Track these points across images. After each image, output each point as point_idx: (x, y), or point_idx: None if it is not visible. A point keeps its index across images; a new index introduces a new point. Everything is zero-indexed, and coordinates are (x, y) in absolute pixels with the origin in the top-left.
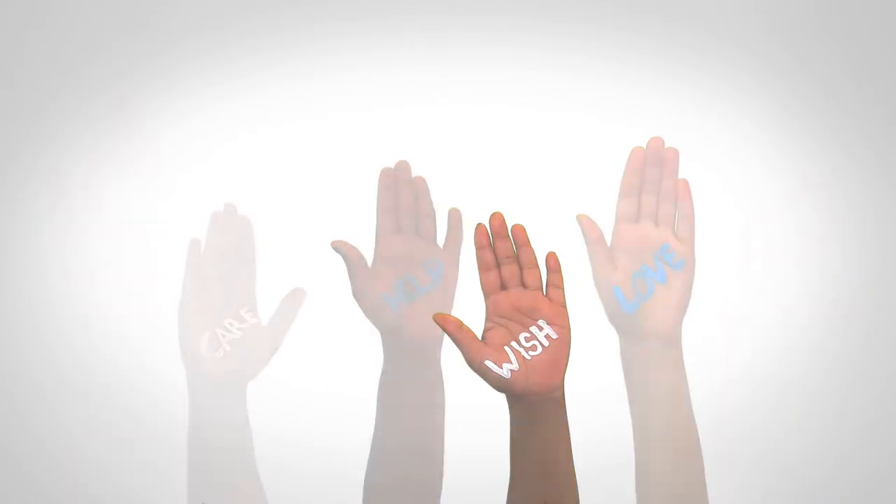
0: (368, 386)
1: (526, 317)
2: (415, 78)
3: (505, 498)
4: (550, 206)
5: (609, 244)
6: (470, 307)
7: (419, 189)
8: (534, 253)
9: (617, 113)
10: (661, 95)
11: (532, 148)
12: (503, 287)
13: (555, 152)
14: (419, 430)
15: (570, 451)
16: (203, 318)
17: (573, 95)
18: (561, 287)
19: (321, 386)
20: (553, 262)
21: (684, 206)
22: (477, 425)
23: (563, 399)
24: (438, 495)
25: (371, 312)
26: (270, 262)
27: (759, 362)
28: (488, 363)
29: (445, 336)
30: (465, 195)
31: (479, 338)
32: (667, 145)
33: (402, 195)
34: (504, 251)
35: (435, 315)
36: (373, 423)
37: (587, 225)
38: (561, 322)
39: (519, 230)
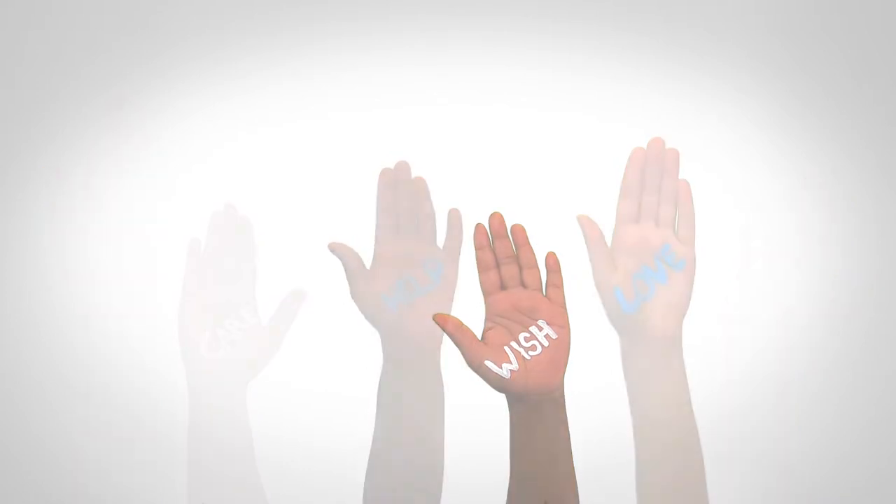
0: (368, 386)
1: (526, 317)
2: (415, 78)
3: (505, 498)
4: (550, 206)
5: (609, 245)
6: (470, 307)
7: (419, 189)
8: (533, 253)
9: (617, 113)
10: (661, 95)
11: (532, 148)
12: (503, 287)
13: (555, 152)
14: (419, 431)
15: (570, 451)
16: (203, 317)
17: (573, 95)
18: (561, 287)
19: (321, 386)
20: (553, 262)
21: (685, 207)
22: (477, 425)
23: (563, 399)
24: (438, 495)
25: (370, 313)
26: (270, 262)
27: (759, 362)
28: (488, 363)
29: (445, 336)
30: (464, 195)
31: (479, 338)
32: (667, 146)
33: (401, 195)
34: (504, 251)
35: (435, 315)
36: (373, 423)
37: (587, 225)
38: (560, 322)
39: (518, 230)
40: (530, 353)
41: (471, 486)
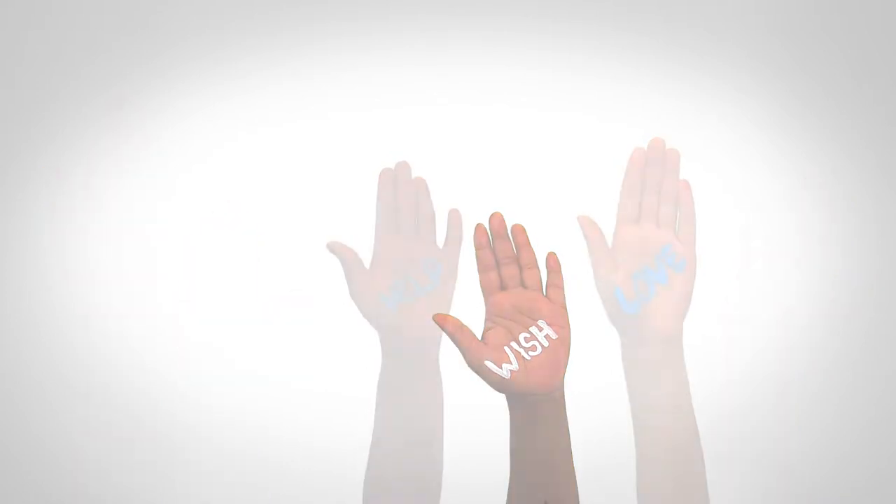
0: (368, 386)
1: (526, 317)
2: (415, 78)
3: (505, 498)
4: (551, 206)
5: (610, 245)
6: (470, 307)
7: (419, 190)
8: (534, 253)
9: (617, 113)
10: (661, 95)
11: (532, 148)
12: (503, 287)
13: (555, 152)
14: (418, 430)
15: (570, 451)
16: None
17: (573, 95)
18: (561, 287)
19: (321, 386)
20: (553, 262)
21: (685, 207)
22: (477, 425)
23: (563, 399)
24: (438, 495)
25: (369, 312)
26: (270, 262)
27: (759, 362)
28: (488, 363)
29: (444, 336)
30: (464, 195)
31: (479, 338)
32: (667, 146)
33: (401, 196)
34: (504, 251)
35: (434, 315)
36: (372, 423)
37: (588, 225)
38: (561, 322)
39: (519, 230)
40: (530, 353)
41: (471, 486)
